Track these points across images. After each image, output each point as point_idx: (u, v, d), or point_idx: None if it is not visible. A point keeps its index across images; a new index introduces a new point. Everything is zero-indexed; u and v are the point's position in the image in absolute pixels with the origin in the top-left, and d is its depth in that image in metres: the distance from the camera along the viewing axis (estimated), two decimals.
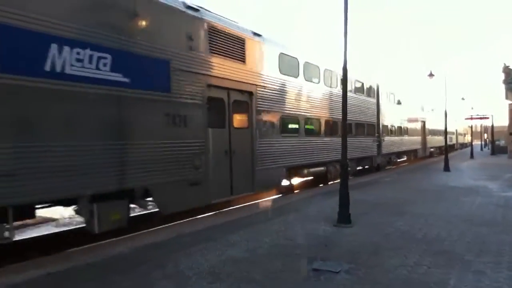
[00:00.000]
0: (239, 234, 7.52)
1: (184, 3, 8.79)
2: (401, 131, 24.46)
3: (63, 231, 9.41)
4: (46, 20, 6.11)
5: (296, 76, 13.12)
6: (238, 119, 10.65)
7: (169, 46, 8.20)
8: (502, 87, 26.81)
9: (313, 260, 5.84)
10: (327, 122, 14.88)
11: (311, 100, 13.96)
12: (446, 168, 20.85)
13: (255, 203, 11.67)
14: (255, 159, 10.89)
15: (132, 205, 8.02)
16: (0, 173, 5.55)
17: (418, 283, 4.96)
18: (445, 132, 24.06)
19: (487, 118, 47.33)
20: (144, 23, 7.77)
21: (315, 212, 9.65)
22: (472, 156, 34.27)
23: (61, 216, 10.90)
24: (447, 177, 17.99)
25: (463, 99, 38.11)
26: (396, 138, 23.59)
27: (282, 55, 12.34)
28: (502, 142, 44.15)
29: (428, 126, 30.79)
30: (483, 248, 6.42)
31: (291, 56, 12.96)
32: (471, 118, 45.61)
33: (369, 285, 4.95)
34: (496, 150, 41.36)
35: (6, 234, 5.87)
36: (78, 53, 6.48)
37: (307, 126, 13.68)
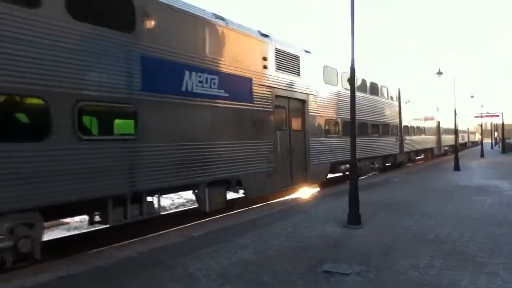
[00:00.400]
0: (249, 236, 7.52)
1: (259, 32, 11.30)
2: (419, 130, 26.34)
3: (74, 234, 9.49)
4: (182, 53, 8.53)
5: (336, 84, 15.24)
6: (295, 123, 12.70)
7: (251, 66, 10.62)
8: None
9: (323, 262, 5.82)
10: (360, 124, 16.47)
11: (347, 104, 14.61)
12: (456, 167, 20.66)
13: (264, 204, 11.66)
14: (308, 156, 13.00)
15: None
16: (195, 161, 8.70)
17: (429, 285, 4.91)
18: (455, 131, 24.36)
19: (497, 116, 46.90)
20: (237, 50, 10.15)
21: (324, 213, 9.61)
22: (482, 154, 33.95)
23: (72, 219, 10.98)
24: (457, 176, 17.83)
25: (472, 97, 37.74)
26: (415, 137, 25.36)
27: (325, 67, 14.58)
28: None
29: (442, 125, 32.29)
30: (495, 248, 6.34)
31: (332, 68, 15.05)
32: (481, 116, 45.18)
33: (380, 287, 4.92)
34: (506, 148, 40.89)
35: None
36: (200, 77, 8.88)
37: (344, 128, 15.46)
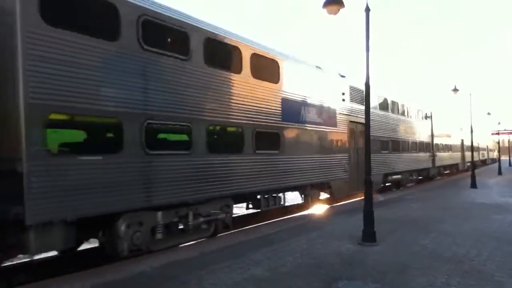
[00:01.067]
0: (262, 252, 7.49)
1: (339, 73, 14.68)
2: (447, 148, 29.55)
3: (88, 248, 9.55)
4: (299, 94, 12.08)
5: (386, 110, 18.86)
6: (360, 142, 15.22)
7: (335, 100, 14.11)
8: None
9: (338, 279, 5.75)
10: (403, 142, 20.49)
11: (394, 127, 19.51)
12: (473, 185, 20.33)
13: (278, 220, 11.61)
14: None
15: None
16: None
17: None
18: (472, 148, 24.54)
19: None
20: (327, 90, 13.59)
21: (339, 230, 9.52)
22: (500, 172, 33.32)
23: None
24: (474, 194, 17.52)
25: (489, 113, 37.18)
26: (444, 154, 28.63)
27: (379, 97, 18.19)
28: None
29: (466, 143, 34.44)
30: None
31: (383, 96, 18.60)
32: (498, 133, 44.51)
33: None
34: None
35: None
36: (306, 109, 12.29)
37: (393, 145, 19.03)
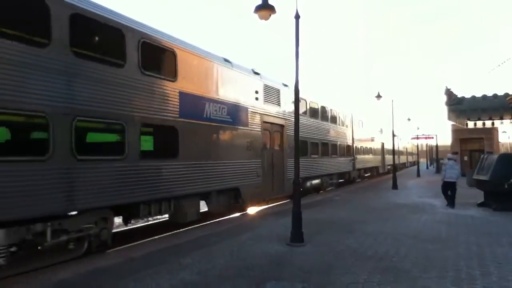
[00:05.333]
0: (192, 256, 7.39)
1: (252, 70, 13.71)
2: (367, 151, 29.62)
3: None
4: (203, 89, 10.80)
5: (304, 113, 17.69)
6: (276, 143, 15.02)
7: (248, 98, 13.06)
8: (445, 109, 28.26)
9: (266, 281, 5.83)
10: (323, 145, 19.81)
11: (313, 130, 18.74)
12: (394, 186, 21.64)
13: (207, 223, 11.53)
14: (285, 171, 15.17)
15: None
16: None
17: None
18: (393, 152, 25.73)
19: (432, 138, 49.72)
20: (239, 86, 12.58)
21: (268, 231, 9.67)
22: (418, 174, 35.78)
23: None
24: (395, 195, 18.65)
25: (409, 119, 39.81)
26: (365, 156, 28.66)
27: (311, 102, 18.45)
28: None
29: (386, 146, 35.28)
30: (428, 263, 6.68)
31: (303, 99, 17.34)
32: (417, 138, 47.72)
33: None
34: (440, 168, 43.24)
35: None
36: (214, 107, 11.10)
37: (312, 148, 18.28)
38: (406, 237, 8.88)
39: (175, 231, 10.39)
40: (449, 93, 25.53)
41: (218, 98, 11.28)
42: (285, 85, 15.93)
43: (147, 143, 8.92)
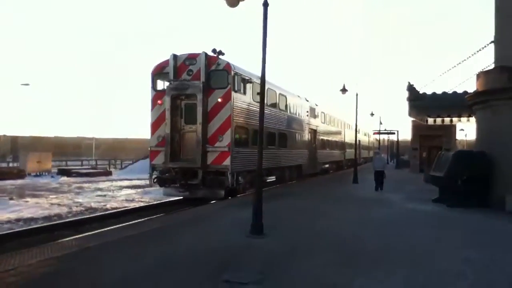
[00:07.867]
0: (152, 246, 7.32)
1: (305, 98, 23.89)
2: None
3: None
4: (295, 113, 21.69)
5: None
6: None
7: (304, 115, 23.30)
8: (407, 104, 28.73)
9: (225, 271, 5.85)
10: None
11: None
12: (355, 180, 22.11)
13: (168, 214, 11.45)
14: (317, 157, 26.28)
15: None
16: None
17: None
18: (355, 147, 26.18)
19: (393, 133, 51.15)
20: (303, 109, 23.18)
21: (229, 222, 9.70)
22: None
23: None
24: (355, 189, 19.07)
25: (372, 114, 40.65)
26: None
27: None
28: (406, 157, 47.59)
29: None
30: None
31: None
32: (379, 133, 48.92)
33: None
34: (400, 164, 44.46)
35: None
36: (295, 121, 22.05)
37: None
38: (363, 224, 9.13)
39: (133, 222, 10.23)
40: (411, 89, 26.08)
41: (296, 116, 21.71)
42: (316, 105, 25.68)
43: (281, 140, 19.27)
